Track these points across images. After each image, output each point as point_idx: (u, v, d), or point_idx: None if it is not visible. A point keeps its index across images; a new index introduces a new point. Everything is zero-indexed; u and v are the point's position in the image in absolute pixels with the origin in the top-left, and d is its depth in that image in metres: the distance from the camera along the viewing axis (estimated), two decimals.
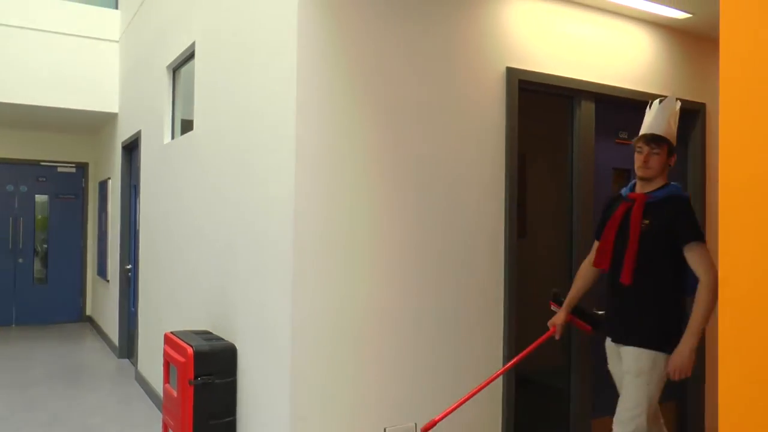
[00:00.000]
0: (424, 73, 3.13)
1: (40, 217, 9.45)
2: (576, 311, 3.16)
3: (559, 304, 3.17)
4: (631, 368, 2.84)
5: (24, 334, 8.49)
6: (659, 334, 2.83)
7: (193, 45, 4.46)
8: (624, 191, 3.04)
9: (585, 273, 3.19)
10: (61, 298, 9.40)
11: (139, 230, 6.18)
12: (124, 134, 6.98)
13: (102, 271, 8.41)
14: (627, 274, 2.85)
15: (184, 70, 5.02)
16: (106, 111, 7.36)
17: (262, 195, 3.19)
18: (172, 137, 5.17)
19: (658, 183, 2.93)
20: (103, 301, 8.39)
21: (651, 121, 2.90)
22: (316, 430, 2.89)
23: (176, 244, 4.74)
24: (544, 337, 3.11)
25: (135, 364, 6.23)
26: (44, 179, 9.36)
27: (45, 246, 9.43)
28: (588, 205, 3.75)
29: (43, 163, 9.34)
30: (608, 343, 3.05)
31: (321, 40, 2.88)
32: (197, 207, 4.23)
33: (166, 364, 3.69)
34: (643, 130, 2.92)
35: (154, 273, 5.48)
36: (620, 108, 3.91)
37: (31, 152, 9.24)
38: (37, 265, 9.43)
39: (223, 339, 3.56)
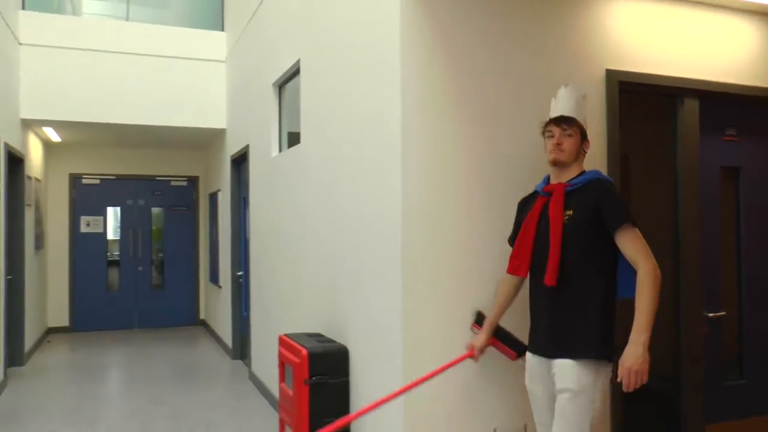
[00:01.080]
0: (522, 76, 3.20)
1: (155, 228, 10.12)
2: (499, 334, 2.85)
3: (482, 325, 2.88)
4: (570, 386, 2.45)
5: (145, 336, 9.11)
6: (599, 340, 2.47)
7: (297, 62, 4.71)
8: (538, 187, 2.74)
9: (505, 287, 2.85)
10: (176, 303, 10.02)
11: (249, 238, 6.53)
12: (232, 148, 7.39)
13: (214, 278, 8.90)
14: (551, 274, 2.50)
15: (289, 85, 5.29)
16: (215, 127, 7.82)
17: (368, 202, 3.35)
18: (280, 150, 5.45)
19: (575, 170, 2.65)
20: (215, 305, 8.88)
21: (558, 105, 2.70)
22: (428, 430, 3.01)
23: (286, 251, 5.00)
24: (460, 358, 2.82)
25: (248, 364, 6.58)
26: (159, 193, 10.01)
27: (161, 255, 10.08)
28: (693, 204, 3.69)
29: (158, 178, 10.00)
30: (530, 358, 2.68)
31: (422, 50, 3.01)
32: (306, 215, 4.46)
33: (282, 365, 3.92)
34: (551, 114, 2.71)
35: (265, 279, 5.78)
36: (727, 104, 3.82)
37: (147, 168, 9.91)
38: (154, 272, 10.10)
39: (334, 341, 3.75)
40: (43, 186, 8.87)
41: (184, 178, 10.15)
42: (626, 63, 3.47)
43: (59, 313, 9.51)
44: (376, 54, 3.26)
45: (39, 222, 8.40)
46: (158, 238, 10.13)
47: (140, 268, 9.91)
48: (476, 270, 3.10)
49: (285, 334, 3.98)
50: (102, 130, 8.01)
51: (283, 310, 5.08)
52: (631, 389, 2.36)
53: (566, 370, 2.46)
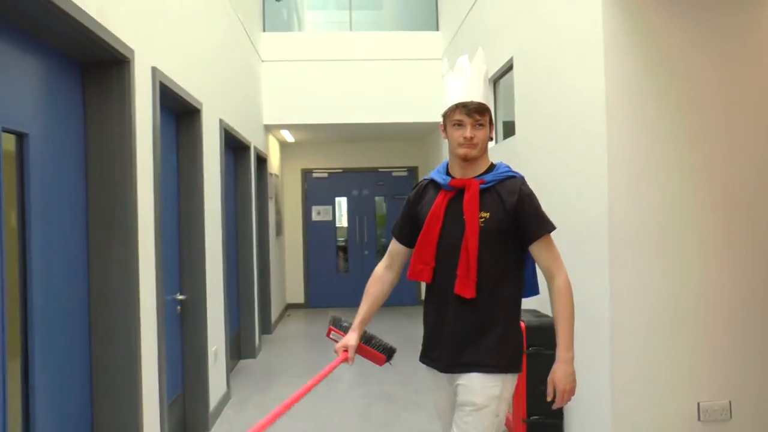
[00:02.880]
0: (727, 71, 3.28)
1: (379, 215, 11.04)
2: (364, 337, 2.54)
3: (342, 330, 2.54)
4: (475, 399, 2.27)
5: (378, 314, 10.02)
6: (511, 352, 2.33)
7: (510, 60, 5.07)
8: (438, 177, 2.41)
9: (379, 287, 2.55)
10: (398, 284, 10.80)
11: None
12: None
13: None
14: (470, 285, 2.25)
15: (503, 80, 5.66)
16: (432, 121, 8.40)
17: (577, 191, 3.64)
18: (495, 142, 5.85)
19: (483, 163, 2.37)
20: None
21: (467, 86, 2.31)
22: (634, 402, 3.26)
23: None
24: (335, 363, 2.46)
25: None
26: (382, 183, 10.90)
27: (383, 240, 10.98)
28: None
29: (380, 170, 10.89)
30: (427, 370, 2.48)
31: (626, 46, 3.24)
32: None
33: None
34: (459, 98, 2.30)
35: None
36: None
37: (370, 161, 10.84)
38: (378, 256, 11.03)
39: (549, 316, 4.09)
40: (280, 181, 10.12)
41: (404, 169, 10.94)
42: None
43: (296, 291, 10.80)
44: (581, 49, 3.53)
45: (278, 212, 9.62)
46: (382, 224, 11.04)
47: (366, 252, 10.89)
48: (681, 258, 3.26)
49: None
50: (329, 129, 8.97)
51: None
52: (561, 405, 2.33)
53: (473, 384, 2.28)
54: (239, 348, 6.83)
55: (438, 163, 9.05)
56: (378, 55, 8.37)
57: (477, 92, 2.30)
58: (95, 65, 2.89)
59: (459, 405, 2.32)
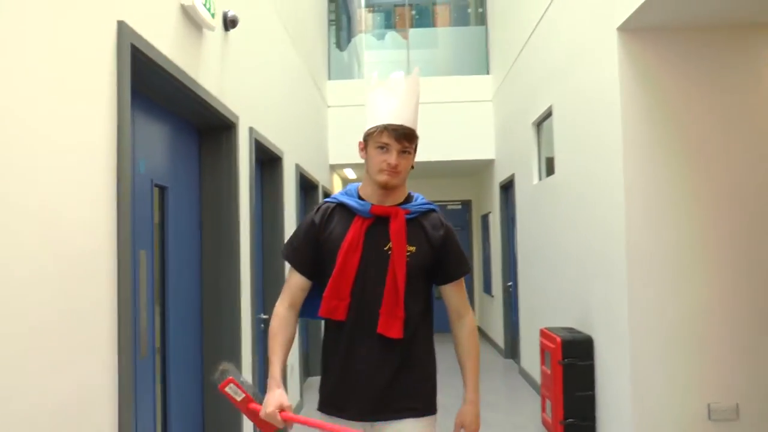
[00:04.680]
0: (727, 120, 3.88)
1: None
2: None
3: (243, 385, 2.03)
4: None
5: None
6: (433, 392, 2.19)
7: (550, 107, 5.74)
8: (351, 201, 2.14)
9: (288, 331, 2.15)
10: None
11: (516, 253, 7.64)
12: (500, 176, 8.59)
13: (487, 288, 10.15)
14: (397, 324, 2.03)
15: (545, 123, 6.32)
16: (484, 158, 9.09)
17: (602, 223, 4.26)
18: (539, 179, 6.50)
19: (402, 192, 2.19)
20: (489, 312, 10.12)
21: (399, 107, 2.08)
22: (652, 404, 3.83)
23: (545, 264, 6.02)
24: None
25: (518, 362, 7.67)
26: None
27: None
28: None
29: (436, 203, 11.59)
30: (346, 422, 2.11)
31: (641, 103, 3.89)
32: (559, 232, 5.45)
33: (542, 351, 4.95)
34: (388, 118, 2.06)
35: (530, 287, 6.84)
36: None
37: (427, 195, 11.46)
38: None
39: (582, 332, 4.69)
40: None
41: (459, 202, 11.62)
42: None
43: None
44: (605, 106, 4.18)
45: None
46: None
47: None
48: (688, 271, 3.84)
49: (544, 328, 5.01)
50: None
51: (544, 310, 6.09)
52: None
53: (407, 430, 2.09)
54: (308, 366, 7.57)
55: (489, 197, 9.79)
56: (434, 98, 9.12)
57: (409, 116, 2.09)
58: (210, 130, 3.71)
59: None
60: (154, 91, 2.96)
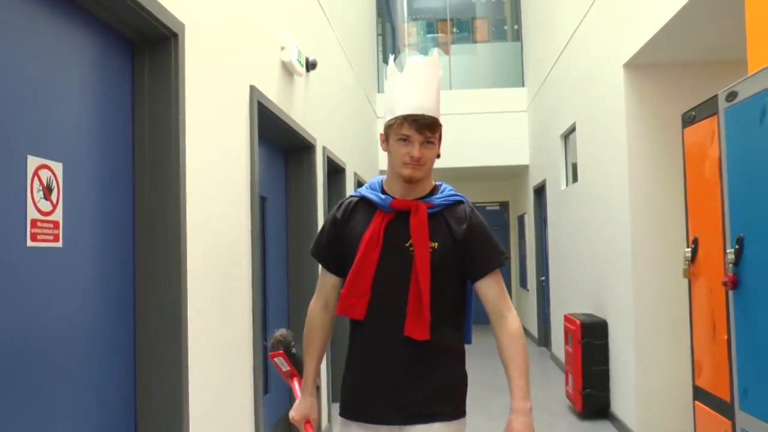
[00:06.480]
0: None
1: None
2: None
3: (291, 359, 2.21)
4: None
5: None
6: (462, 396, 2.07)
7: (574, 124, 6.59)
8: (373, 195, 2.05)
9: (322, 336, 2.15)
10: None
11: (548, 251, 8.49)
12: (534, 181, 9.44)
13: (523, 283, 11.01)
14: (424, 325, 1.93)
15: (571, 135, 7.17)
16: (520, 164, 9.94)
17: (613, 226, 5.11)
18: (566, 185, 7.35)
19: (427, 184, 2.07)
20: (525, 305, 10.97)
21: (419, 95, 1.95)
22: (650, 376, 4.67)
23: (571, 259, 6.87)
24: None
25: (549, 349, 8.53)
26: None
27: None
28: None
29: (475, 204, 12.44)
30: (363, 428, 2.02)
31: (643, 127, 4.73)
32: (583, 232, 6.30)
33: (566, 333, 5.82)
34: (409, 108, 1.94)
35: (559, 281, 7.70)
36: None
37: (467, 196, 12.43)
38: None
39: (598, 317, 5.55)
40: None
41: (497, 203, 12.48)
42: None
43: None
44: (613, 127, 5.04)
45: None
46: None
47: None
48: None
49: (568, 313, 5.88)
50: (434, 173, 10.60)
51: (569, 300, 6.95)
52: None
53: None
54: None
55: (524, 199, 10.65)
56: (474, 109, 10.00)
57: (430, 104, 1.96)
58: (295, 150, 4.68)
59: None
60: (263, 126, 3.94)
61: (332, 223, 2.12)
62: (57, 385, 1.84)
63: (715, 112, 2.78)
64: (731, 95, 2.63)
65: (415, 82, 1.97)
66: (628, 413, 4.93)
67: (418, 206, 1.98)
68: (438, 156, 2.03)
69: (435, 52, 2.49)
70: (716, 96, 2.78)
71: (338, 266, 2.11)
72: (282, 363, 2.19)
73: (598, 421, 5.40)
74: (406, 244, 1.98)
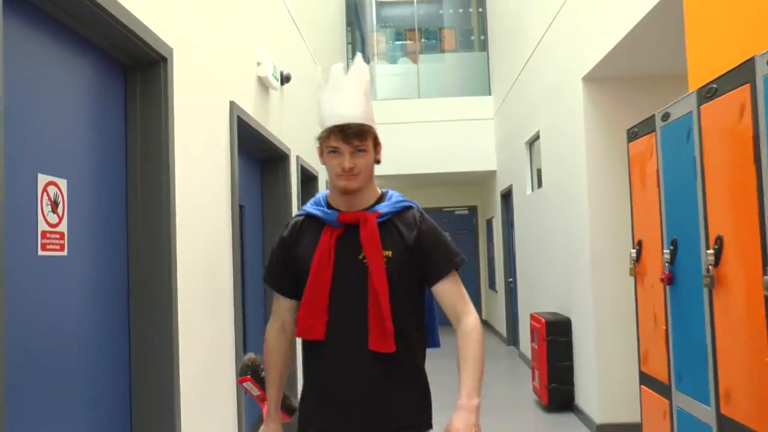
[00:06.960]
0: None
1: None
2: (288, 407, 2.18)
3: (260, 382, 2.17)
4: None
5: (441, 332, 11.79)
6: (429, 406, 2.04)
7: (538, 132, 6.89)
8: (318, 211, 2.01)
9: (281, 358, 2.10)
10: None
11: (515, 253, 8.79)
12: (501, 186, 9.73)
13: (492, 284, 11.31)
14: (388, 337, 1.88)
15: (536, 143, 7.47)
16: (487, 170, 10.23)
17: (573, 230, 5.40)
18: (532, 190, 7.64)
19: (371, 193, 2.01)
20: (493, 306, 11.27)
21: (343, 104, 1.92)
22: (610, 371, 4.95)
23: (537, 261, 7.16)
24: None
25: (517, 347, 8.82)
26: (446, 220, 12.73)
27: None
28: None
29: (444, 209, 12.74)
30: None
31: (600, 137, 5.03)
32: (547, 235, 6.59)
33: (532, 331, 6.10)
34: (335, 119, 1.90)
35: (525, 281, 7.99)
36: None
37: (436, 201, 12.71)
38: None
39: (562, 315, 5.83)
40: None
41: (465, 208, 12.77)
42: None
43: None
44: (574, 139, 5.33)
45: None
46: None
47: None
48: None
49: (534, 312, 6.16)
50: (403, 178, 10.85)
51: (535, 300, 7.24)
52: None
53: None
54: None
55: (492, 203, 10.96)
56: (441, 117, 10.26)
57: (355, 111, 1.91)
58: (271, 161, 4.88)
59: None
60: (242, 139, 4.14)
61: (281, 245, 2.07)
62: (64, 381, 2.03)
63: (653, 130, 3.07)
64: (665, 116, 2.92)
65: (340, 91, 1.94)
66: (590, 405, 5.21)
67: (366, 217, 1.93)
68: (377, 162, 1.99)
69: (359, 56, 2.28)
70: (654, 115, 3.07)
71: (292, 289, 2.06)
72: (251, 387, 2.16)
73: (563, 413, 5.67)
74: (360, 257, 1.94)
